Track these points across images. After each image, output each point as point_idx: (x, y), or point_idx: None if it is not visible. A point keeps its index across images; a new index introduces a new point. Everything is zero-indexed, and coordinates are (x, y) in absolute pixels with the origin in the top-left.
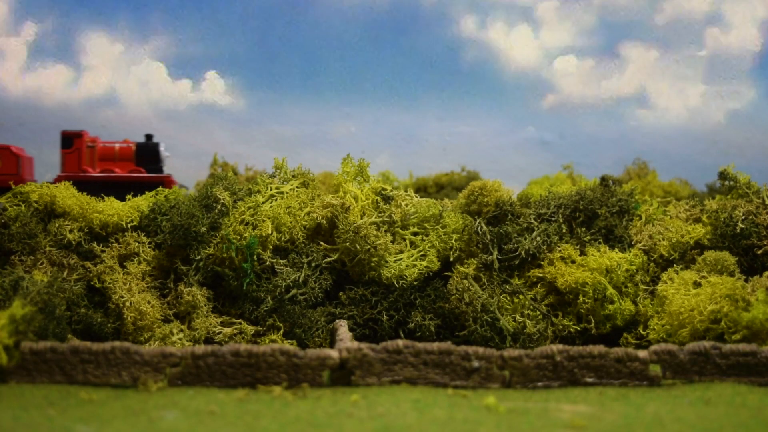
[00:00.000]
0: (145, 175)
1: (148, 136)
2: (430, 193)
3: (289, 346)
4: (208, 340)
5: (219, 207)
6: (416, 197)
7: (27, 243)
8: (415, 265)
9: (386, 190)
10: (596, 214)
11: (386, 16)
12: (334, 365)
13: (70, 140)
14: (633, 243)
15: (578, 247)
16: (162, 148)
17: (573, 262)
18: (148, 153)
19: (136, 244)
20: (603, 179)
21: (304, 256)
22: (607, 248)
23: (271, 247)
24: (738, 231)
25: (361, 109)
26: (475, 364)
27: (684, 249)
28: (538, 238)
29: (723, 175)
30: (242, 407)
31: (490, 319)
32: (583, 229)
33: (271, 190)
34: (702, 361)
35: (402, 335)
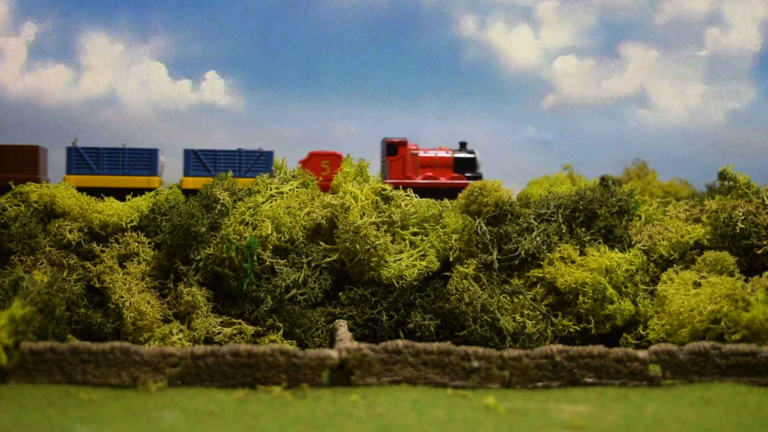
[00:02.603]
0: (467, 182)
1: (463, 144)
2: None
3: (289, 346)
4: (208, 340)
5: (219, 207)
6: (416, 197)
7: (27, 243)
8: (414, 265)
9: (386, 190)
10: (596, 214)
11: (386, 16)
12: (333, 365)
13: (395, 148)
14: (633, 243)
15: (578, 247)
16: (477, 155)
17: (573, 262)
18: (465, 160)
19: (136, 244)
20: (603, 179)
21: (303, 256)
22: (607, 248)
23: (270, 247)
24: (738, 231)
25: (361, 109)
26: (475, 364)
27: (684, 249)
28: (538, 238)
29: (723, 175)
30: (242, 407)
31: (489, 319)
32: (583, 229)
33: (270, 190)
34: (702, 361)
35: (402, 335)
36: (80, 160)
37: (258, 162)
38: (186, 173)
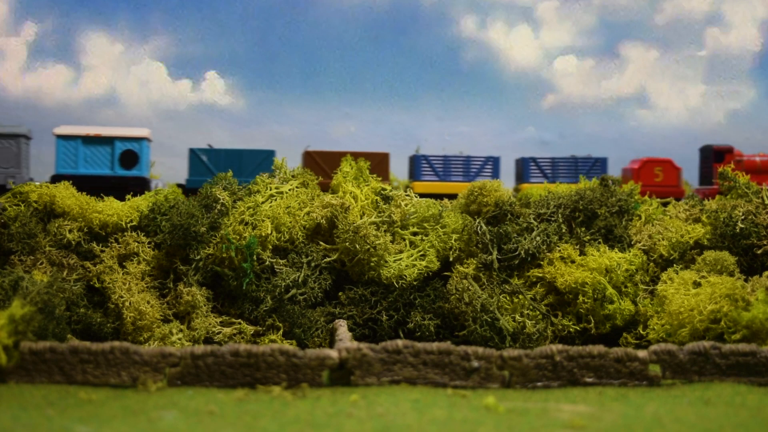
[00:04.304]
0: None
1: None
2: None
3: (289, 346)
4: (208, 340)
5: (218, 207)
6: (416, 197)
7: (27, 243)
8: (414, 265)
9: (386, 190)
10: (596, 214)
11: (386, 16)
12: (333, 365)
13: (722, 155)
14: (632, 243)
15: (578, 247)
16: None
17: (573, 262)
18: None
19: (136, 244)
20: (603, 179)
21: (303, 256)
22: (607, 248)
23: (270, 247)
24: (737, 231)
25: (361, 109)
26: (475, 364)
27: (684, 249)
28: (538, 238)
29: (723, 175)
30: (241, 407)
31: (489, 319)
32: (583, 229)
33: (270, 190)
34: (702, 361)
35: (401, 335)
36: (427, 167)
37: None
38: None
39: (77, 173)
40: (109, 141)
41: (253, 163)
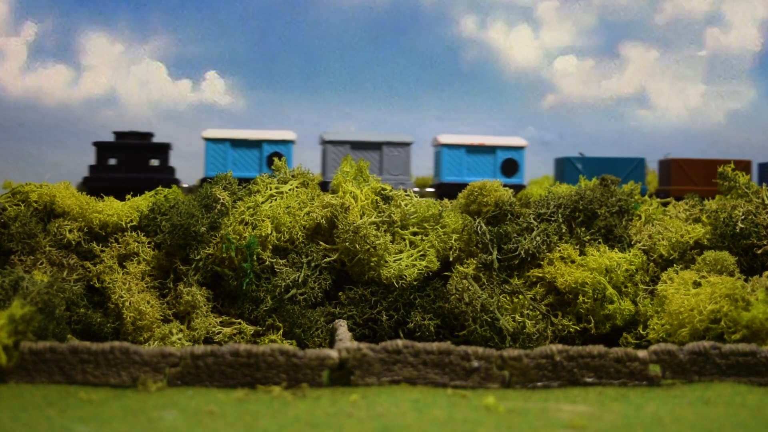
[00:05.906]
0: None
1: None
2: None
3: (289, 346)
4: (208, 340)
5: (218, 207)
6: (416, 197)
7: (27, 243)
8: (414, 265)
9: (386, 189)
10: (596, 214)
11: (386, 16)
12: (333, 365)
13: None
14: (633, 243)
15: (578, 246)
16: None
17: (573, 262)
18: None
19: (136, 244)
20: (603, 179)
21: (303, 256)
22: (607, 248)
23: (270, 247)
24: (737, 231)
25: (361, 109)
26: (475, 364)
27: (684, 249)
28: (538, 238)
29: (722, 176)
30: (241, 407)
31: (489, 319)
32: (583, 228)
33: (270, 190)
34: (702, 361)
35: (401, 335)
36: None
37: None
38: None
39: (462, 181)
40: (491, 150)
41: (626, 170)
